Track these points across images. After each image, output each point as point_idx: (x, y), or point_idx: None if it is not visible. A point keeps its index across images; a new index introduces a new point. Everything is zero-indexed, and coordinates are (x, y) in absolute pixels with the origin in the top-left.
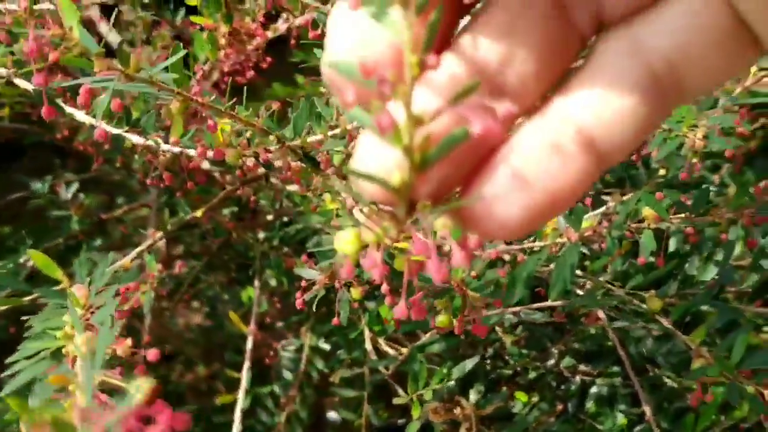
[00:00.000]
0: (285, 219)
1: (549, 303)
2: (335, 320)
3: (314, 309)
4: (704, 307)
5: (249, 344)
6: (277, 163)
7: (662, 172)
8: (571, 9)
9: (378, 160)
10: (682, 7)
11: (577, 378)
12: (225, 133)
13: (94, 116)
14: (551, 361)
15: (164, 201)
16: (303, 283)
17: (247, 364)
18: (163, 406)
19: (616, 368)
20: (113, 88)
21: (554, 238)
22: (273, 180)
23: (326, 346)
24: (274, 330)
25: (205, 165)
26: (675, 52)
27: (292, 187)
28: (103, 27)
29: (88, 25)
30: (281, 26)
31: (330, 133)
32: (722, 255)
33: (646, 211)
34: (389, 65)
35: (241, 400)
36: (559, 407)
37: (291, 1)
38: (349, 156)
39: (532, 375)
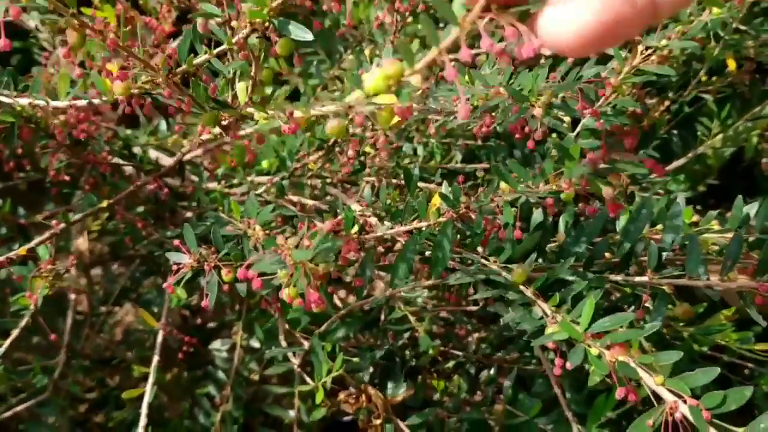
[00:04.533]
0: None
1: (432, 282)
2: (204, 302)
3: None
4: (571, 278)
5: (159, 338)
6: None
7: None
8: None
9: None
10: None
11: (494, 365)
12: (113, 75)
13: None
14: (471, 349)
15: (79, 201)
16: (173, 267)
17: (156, 359)
18: None
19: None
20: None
21: (436, 216)
22: (191, 176)
23: (256, 344)
24: (207, 331)
25: (116, 161)
26: None
27: (212, 185)
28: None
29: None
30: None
31: (216, 51)
32: (591, 227)
33: (503, 185)
34: None
35: (148, 394)
36: (479, 394)
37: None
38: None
39: (450, 363)
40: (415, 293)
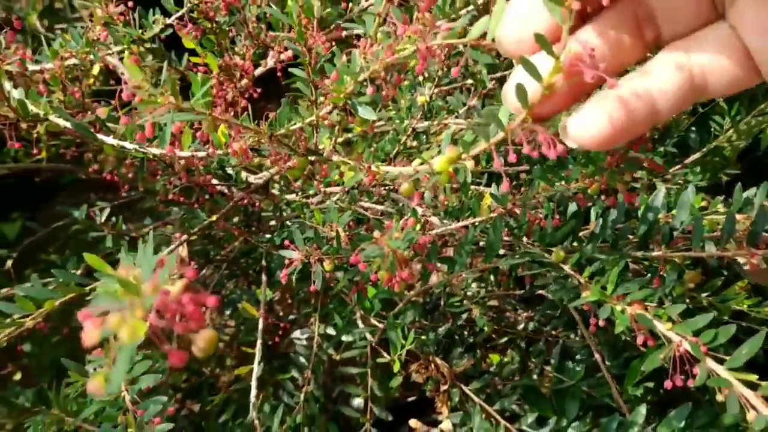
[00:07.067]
0: (287, 223)
1: (486, 266)
2: (312, 287)
3: (319, 299)
4: (600, 256)
5: (260, 325)
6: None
7: None
8: (642, 28)
9: (525, 84)
10: (715, 38)
11: (542, 339)
12: (224, 134)
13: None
14: (521, 326)
15: (183, 216)
16: (286, 262)
17: (259, 341)
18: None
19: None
20: (172, 118)
21: (488, 213)
22: (273, 191)
23: (332, 332)
24: (288, 322)
25: (215, 181)
26: (709, 63)
27: (290, 196)
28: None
29: (109, 71)
30: (269, 61)
31: (306, 121)
32: (616, 216)
33: (542, 184)
34: (548, 34)
35: (256, 370)
36: (530, 365)
37: (274, 41)
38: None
39: (503, 339)
40: (471, 276)
